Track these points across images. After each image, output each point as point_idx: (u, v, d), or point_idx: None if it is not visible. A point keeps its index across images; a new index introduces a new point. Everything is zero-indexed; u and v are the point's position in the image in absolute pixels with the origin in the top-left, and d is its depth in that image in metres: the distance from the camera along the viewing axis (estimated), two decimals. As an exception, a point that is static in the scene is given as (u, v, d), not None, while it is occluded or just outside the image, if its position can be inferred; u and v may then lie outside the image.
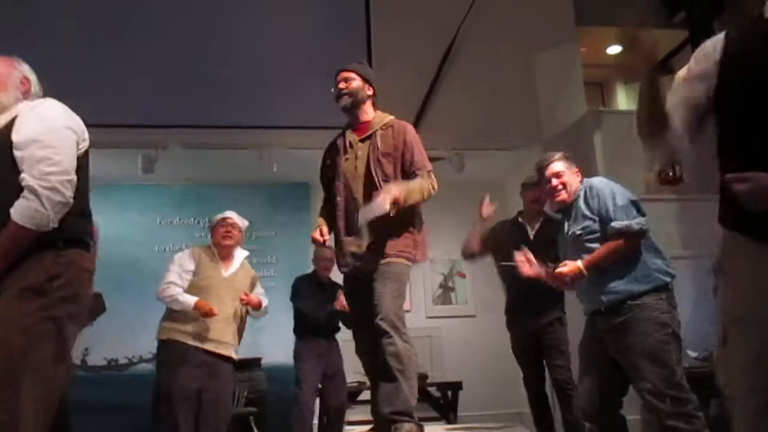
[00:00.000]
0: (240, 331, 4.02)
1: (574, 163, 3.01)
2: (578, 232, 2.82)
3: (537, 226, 4.01)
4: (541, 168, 3.00)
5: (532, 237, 3.96)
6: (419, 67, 5.77)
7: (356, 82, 3.12)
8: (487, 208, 3.99)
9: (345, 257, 3.03)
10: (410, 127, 3.12)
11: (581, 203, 2.86)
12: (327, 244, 3.13)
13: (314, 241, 3.04)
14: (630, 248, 2.70)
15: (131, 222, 6.31)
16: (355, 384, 5.28)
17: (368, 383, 3.33)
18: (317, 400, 4.82)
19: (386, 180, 2.94)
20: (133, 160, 5.58)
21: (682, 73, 1.69)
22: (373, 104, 3.19)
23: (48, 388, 1.93)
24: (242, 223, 4.20)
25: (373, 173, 2.96)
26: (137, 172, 5.64)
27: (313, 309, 4.70)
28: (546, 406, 3.99)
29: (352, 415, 5.26)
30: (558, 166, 2.96)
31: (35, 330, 1.91)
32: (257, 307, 4.04)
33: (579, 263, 2.73)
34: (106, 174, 5.62)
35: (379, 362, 2.80)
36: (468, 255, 4.14)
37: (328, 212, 3.14)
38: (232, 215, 4.16)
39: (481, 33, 5.87)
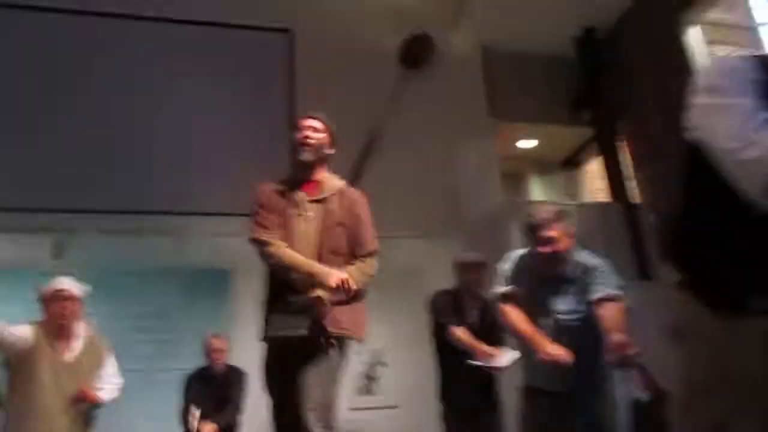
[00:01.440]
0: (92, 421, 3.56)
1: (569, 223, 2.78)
2: (572, 323, 2.72)
3: (478, 312, 3.91)
4: (534, 228, 2.73)
5: (477, 324, 3.86)
6: (340, 159, 5.85)
7: (323, 135, 2.85)
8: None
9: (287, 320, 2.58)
10: (362, 199, 2.85)
11: (577, 284, 2.75)
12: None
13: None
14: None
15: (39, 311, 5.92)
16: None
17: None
18: None
19: (338, 252, 2.67)
20: (42, 245, 5.30)
21: None
22: (327, 166, 2.90)
23: None
24: (81, 291, 3.63)
25: (323, 243, 2.65)
26: (47, 257, 5.35)
27: (200, 404, 4.47)
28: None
29: None
30: (554, 228, 2.70)
31: None
32: (95, 403, 3.49)
33: (615, 337, 2.48)
34: (14, 258, 5.32)
35: None
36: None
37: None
38: (68, 286, 3.57)
39: (403, 126, 6.08)
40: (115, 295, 6.20)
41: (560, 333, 2.70)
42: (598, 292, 2.68)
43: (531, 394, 2.86)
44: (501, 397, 3.91)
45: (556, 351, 2.49)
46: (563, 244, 2.71)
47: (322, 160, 2.83)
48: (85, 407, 3.53)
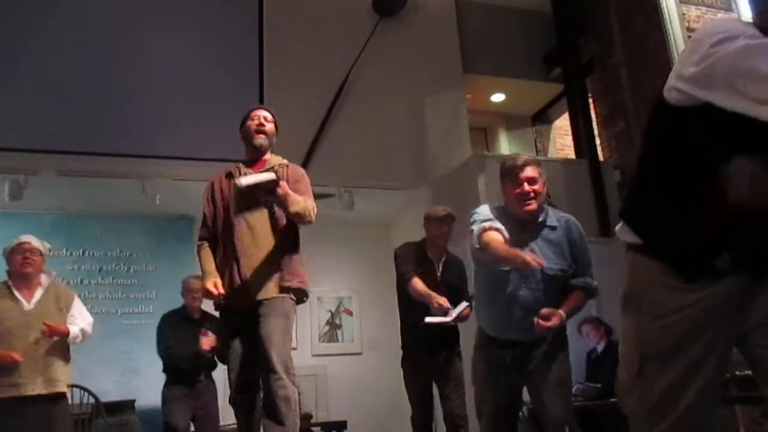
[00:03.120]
0: (66, 360, 3.74)
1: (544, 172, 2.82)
2: (557, 272, 2.76)
3: (441, 265, 3.95)
4: (512, 168, 2.73)
5: (439, 277, 3.90)
6: (311, 106, 5.80)
7: (272, 126, 3.21)
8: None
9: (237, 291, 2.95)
10: (304, 171, 3.24)
11: (563, 236, 2.81)
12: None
13: (207, 293, 2.96)
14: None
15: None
16: (232, 425, 5.07)
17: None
18: None
19: (279, 213, 3.03)
20: (0, 185, 5.17)
21: None
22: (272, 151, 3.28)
23: None
24: (43, 246, 3.84)
25: (275, 207, 3.02)
26: (3, 198, 5.22)
27: (176, 347, 4.48)
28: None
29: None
30: (533, 170, 2.72)
31: None
32: (64, 334, 3.68)
33: (562, 313, 2.69)
34: (-32, 199, 5.18)
35: (265, 401, 2.79)
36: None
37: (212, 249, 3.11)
38: (29, 239, 3.80)
39: (374, 74, 6.03)
40: (76, 238, 6.11)
41: (541, 279, 2.74)
42: (579, 281, 2.82)
43: (491, 343, 2.88)
44: (459, 347, 4.00)
45: (537, 258, 2.50)
46: (542, 187, 2.73)
47: (270, 146, 3.22)
48: (57, 343, 3.67)
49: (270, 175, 2.91)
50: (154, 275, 6.29)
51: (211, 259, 3.04)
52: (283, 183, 2.92)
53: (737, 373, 3.04)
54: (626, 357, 1.55)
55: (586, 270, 2.84)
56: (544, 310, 2.65)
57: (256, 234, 2.96)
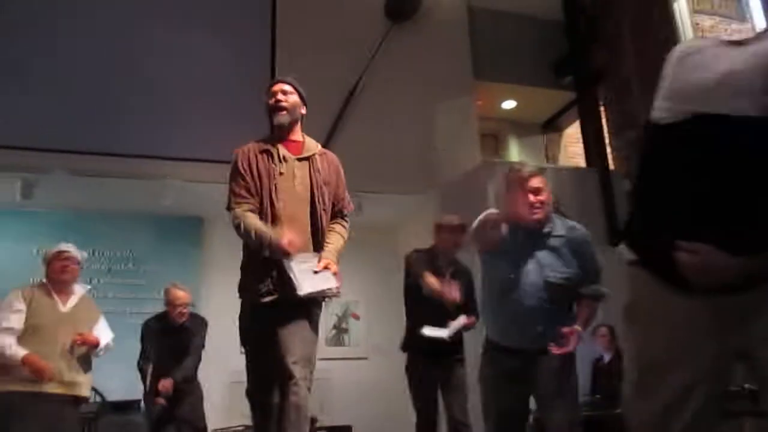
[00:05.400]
0: (88, 367, 3.84)
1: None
2: (561, 281, 2.75)
3: (449, 275, 3.92)
4: (519, 179, 2.73)
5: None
6: (321, 108, 5.80)
7: (294, 97, 2.94)
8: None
9: (274, 282, 2.71)
10: (339, 161, 3.03)
11: (564, 245, 2.80)
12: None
13: (283, 250, 2.63)
14: None
15: (5, 250, 5.87)
16: (241, 428, 5.09)
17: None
18: None
19: (324, 210, 2.83)
20: (11, 184, 5.21)
21: None
22: (302, 126, 3.01)
23: None
24: (80, 256, 4.00)
25: (317, 201, 2.82)
26: (15, 196, 5.26)
27: (158, 355, 4.50)
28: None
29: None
30: (539, 182, 2.72)
31: None
32: (95, 345, 3.82)
33: (580, 330, 2.71)
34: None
35: (282, 403, 2.65)
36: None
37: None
38: (69, 248, 3.95)
39: (385, 79, 6.03)
40: (85, 237, 6.13)
41: (544, 288, 2.74)
42: (587, 290, 2.82)
43: (497, 350, 2.88)
44: (462, 354, 4.01)
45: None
46: (548, 197, 2.74)
47: (295, 121, 2.94)
48: (84, 351, 3.79)
49: (330, 283, 2.68)
50: (161, 275, 6.30)
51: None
52: (338, 279, 2.70)
53: (746, 386, 3.01)
54: (628, 371, 1.56)
55: (594, 277, 2.83)
56: (565, 330, 2.67)
57: (298, 230, 2.76)
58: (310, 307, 2.77)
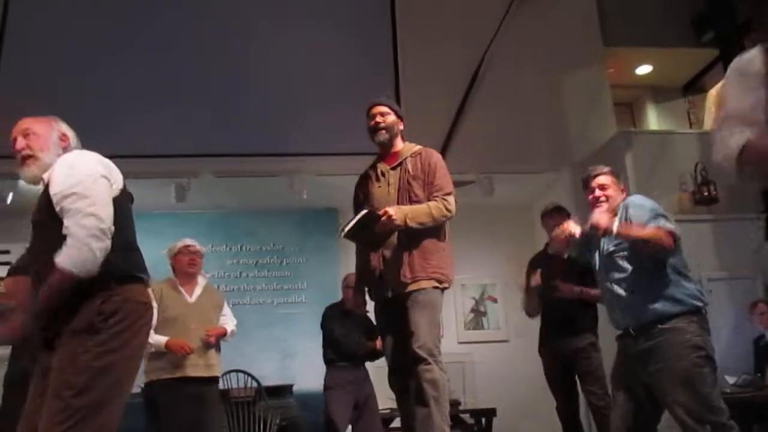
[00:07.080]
0: (218, 349, 4.17)
1: (620, 181, 3.07)
2: (611, 249, 2.83)
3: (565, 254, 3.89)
4: (587, 178, 3.04)
5: (564, 265, 3.81)
6: (447, 90, 5.81)
7: (391, 117, 3.23)
8: (536, 279, 3.98)
9: (379, 284, 3.08)
10: (437, 154, 3.26)
11: (618, 220, 2.84)
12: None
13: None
14: (663, 246, 2.63)
15: (164, 249, 6.39)
16: (387, 411, 5.23)
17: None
18: (349, 429, 4.76)
19: (416, 200, 3.05)
20: (166, 189, 5.68)
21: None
22: (402, 137, 3.30)
23: (110, 421, 1.99)
24: (202, 249, 4.34)
25: (404, 196, 3.08)
26: (170, 200, 5.73)
27: (344, 337, 4.66)
28: (579, 435, 3.91)
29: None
30: (604, 179, 3.00)
31: (94, 366, 1.97)
32: (223, 335, 4.18)
33: (615, 225, 2.73)
34: (140, 203, 5.62)
35: (413, 387, 2.86)
36: (533, 315, 4.13)
37: None
38: (193, 242, 4.26)
39: (509, 56, 5.89)
40: (234, 235, 6.57)
41: (614, 265, 2.81)
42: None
43: (618, 338, 2.86)
44: (595, 337, 3.90)
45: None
46: (614, 193, 2.96)
47: (395, 136, 3.25)
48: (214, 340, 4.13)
49: (360, 214, 2.98)
50: (304, 266, 6.62)
51: None
52: (385, 210, 2.93)
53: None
54: None
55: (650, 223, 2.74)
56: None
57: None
58: (418, 295, 2.97)
